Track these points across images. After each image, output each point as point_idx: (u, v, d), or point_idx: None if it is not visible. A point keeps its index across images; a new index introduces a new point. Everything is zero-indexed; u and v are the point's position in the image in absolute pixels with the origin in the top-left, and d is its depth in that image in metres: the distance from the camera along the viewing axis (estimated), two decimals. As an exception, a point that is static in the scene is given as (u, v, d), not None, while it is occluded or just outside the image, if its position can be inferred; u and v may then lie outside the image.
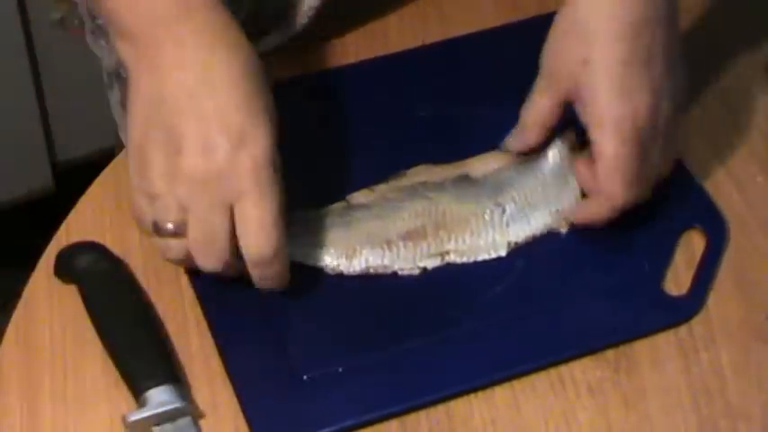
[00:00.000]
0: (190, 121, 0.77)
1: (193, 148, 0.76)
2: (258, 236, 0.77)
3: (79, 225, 0.87)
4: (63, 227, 0.87)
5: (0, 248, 1.69)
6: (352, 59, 0.96)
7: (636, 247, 0.86)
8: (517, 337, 0.81)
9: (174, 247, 0.79)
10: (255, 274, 0.79)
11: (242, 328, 0.81)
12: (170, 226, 0.78)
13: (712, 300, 0.84)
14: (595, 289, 0.84)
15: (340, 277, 0.84)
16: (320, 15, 0.95)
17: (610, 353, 0.81)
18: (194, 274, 0.82)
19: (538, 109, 0.86)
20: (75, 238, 0.85)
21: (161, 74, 0.78)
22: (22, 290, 0.84)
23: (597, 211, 0.83)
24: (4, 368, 0.80)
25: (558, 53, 0.84)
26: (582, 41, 0.83)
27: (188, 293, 0.83)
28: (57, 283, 0.84)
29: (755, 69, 0.97)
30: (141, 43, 0.78)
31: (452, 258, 0.84)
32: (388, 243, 0.84)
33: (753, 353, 0.82)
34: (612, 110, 0.81)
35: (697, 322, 0.83)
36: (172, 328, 0.82)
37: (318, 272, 0.84)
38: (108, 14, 0.81)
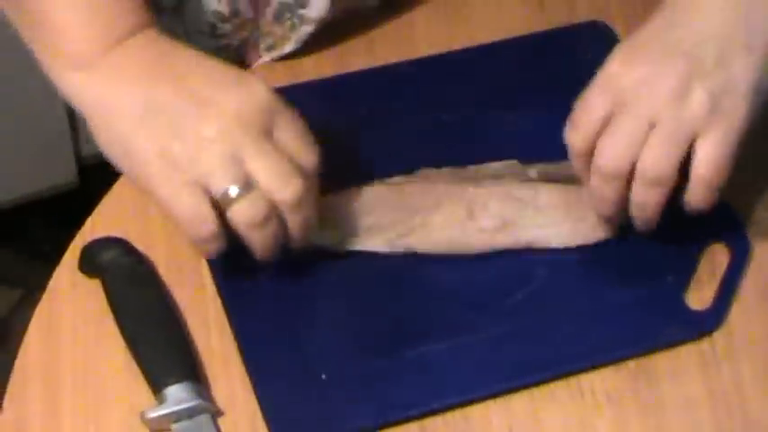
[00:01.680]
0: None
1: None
2: None
3: (104, 220, 0.87)
4: (88, 222, 0.87)
5: (25, 242, 1.70)
6: (379, 63, 0.96)
7: (660, 260, 0.85)
8: (537, 345, 0.81)
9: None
10: None
11: (261, 326, 0.81)
12: (234, 189, 0.76)
13: (735, 314, 0.84)
14: (618, 300, 0.83)
15: (361, 279, 0.84)
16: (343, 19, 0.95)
17: (630, 363, 0.81)
18: (217, 270, 0.83)
19: None
20: (99, 233, 0.85)
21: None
22: (46, 283, 0.84)
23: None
24: (28, 360, 0.81)
25: None
26: None
27: (210, 290, 0.83)
28: (81, 277, 0.84)
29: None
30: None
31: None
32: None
33: (774, 368, 0.82)
34: None
35: (719, 336, 0.83)
36: (192, 324, 0.82)
37: (340, 272, 0.84)
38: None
